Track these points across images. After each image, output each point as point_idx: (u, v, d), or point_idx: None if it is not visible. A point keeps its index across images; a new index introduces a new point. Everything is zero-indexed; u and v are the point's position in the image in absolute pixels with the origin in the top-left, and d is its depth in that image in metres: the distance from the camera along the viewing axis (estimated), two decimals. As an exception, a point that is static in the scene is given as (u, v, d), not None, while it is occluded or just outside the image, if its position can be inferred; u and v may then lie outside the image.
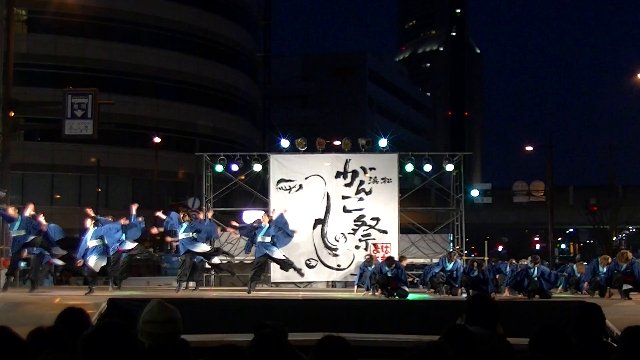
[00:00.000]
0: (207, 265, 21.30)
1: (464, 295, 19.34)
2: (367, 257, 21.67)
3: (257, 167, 24.12)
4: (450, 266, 20.56)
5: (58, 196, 52.05)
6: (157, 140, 46.93)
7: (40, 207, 51.88)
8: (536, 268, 19.11)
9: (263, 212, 21.57)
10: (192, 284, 20.90)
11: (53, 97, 36.70)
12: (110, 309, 16.46)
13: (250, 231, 20.48)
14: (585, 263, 22.19)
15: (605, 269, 19.70)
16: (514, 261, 22.19)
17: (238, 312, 16.75)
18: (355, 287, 21.51)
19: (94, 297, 18.32)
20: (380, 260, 20.68)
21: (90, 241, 18.59)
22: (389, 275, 18.87)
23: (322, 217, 23.59)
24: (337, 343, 3.52)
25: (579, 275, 21.09)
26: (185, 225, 19.40)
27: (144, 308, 4.30)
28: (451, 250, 22.90)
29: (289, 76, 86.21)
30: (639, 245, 68.72)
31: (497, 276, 21.24)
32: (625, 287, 18.39)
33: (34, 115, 41.26)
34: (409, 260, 23.46)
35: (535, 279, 18.93)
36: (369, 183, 23.72)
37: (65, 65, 50.84)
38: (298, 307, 17.53)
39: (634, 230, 70.82)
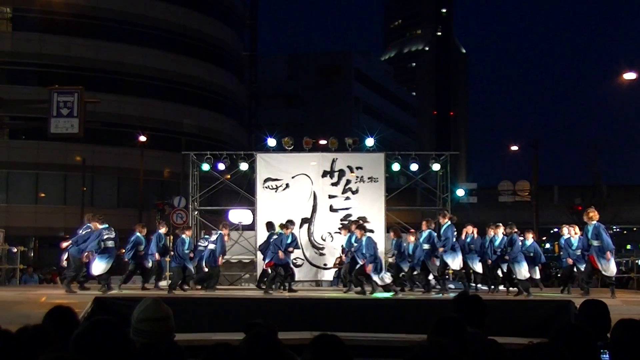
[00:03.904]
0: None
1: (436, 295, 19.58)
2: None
3: (243, 166, 24.05)
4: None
5: (43, 195, 51.84)
6: (142, 139, 46.64)
7: (24, 206, 51.67)
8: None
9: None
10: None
11: (38, 96, 36.48)
12: (96, 308, 16.43)
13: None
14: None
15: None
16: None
17: (225, 312, 16.76)
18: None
19: (79, 296, 18.30)
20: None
21: None
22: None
23: (309, 216, 23.58)
24: (332, 342, 3.51)
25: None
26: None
27: (133, 307, 4.30)
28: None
29: (275, 75, 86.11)
30: (623, 245, 68.96)
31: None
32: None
33: (19, 113, 40.99)
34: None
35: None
36: (356, 182, 23.71)
37: (51, 63, 50.44)
38: (284, 306, 17.57)
39: (618, 230, 70.98)
